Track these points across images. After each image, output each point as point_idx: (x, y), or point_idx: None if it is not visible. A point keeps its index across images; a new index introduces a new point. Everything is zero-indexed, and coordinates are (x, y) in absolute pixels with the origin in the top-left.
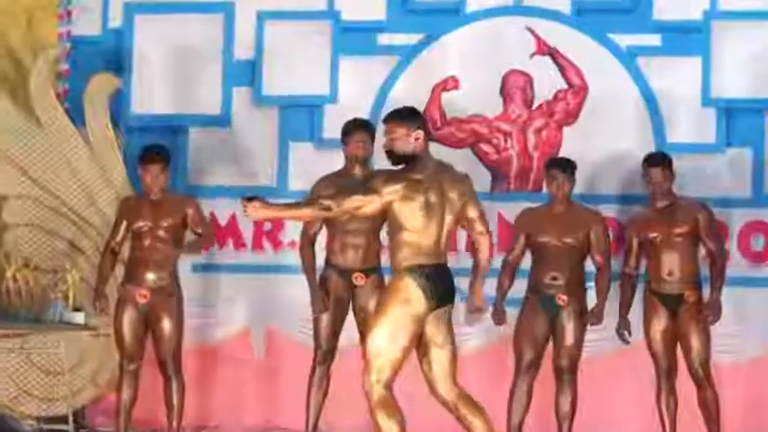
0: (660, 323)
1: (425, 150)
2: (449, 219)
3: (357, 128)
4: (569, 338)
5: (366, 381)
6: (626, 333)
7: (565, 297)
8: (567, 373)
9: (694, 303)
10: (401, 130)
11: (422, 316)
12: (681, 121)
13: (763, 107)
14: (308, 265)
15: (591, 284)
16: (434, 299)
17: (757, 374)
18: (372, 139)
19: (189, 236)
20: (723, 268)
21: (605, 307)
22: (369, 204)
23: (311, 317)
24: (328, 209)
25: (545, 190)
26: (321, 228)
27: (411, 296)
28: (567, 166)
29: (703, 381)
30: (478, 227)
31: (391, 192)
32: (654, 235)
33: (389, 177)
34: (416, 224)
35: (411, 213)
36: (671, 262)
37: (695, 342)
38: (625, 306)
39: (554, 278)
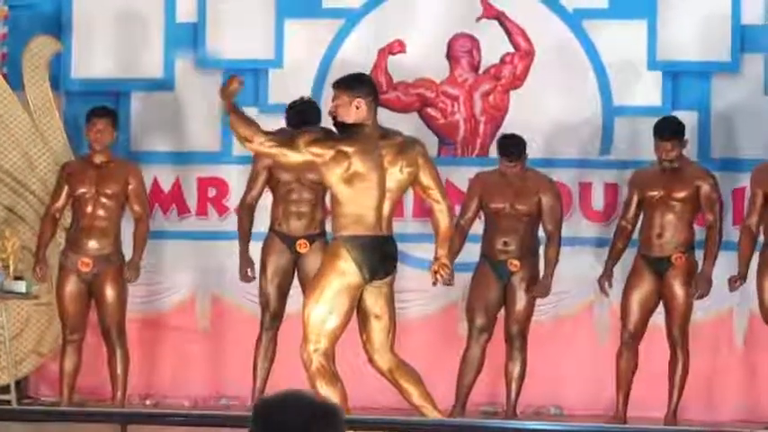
0: (641, 290)
1: (370, 119)
2: (391, 188)
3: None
4: (520, 305)
5: (304, 350)
6: (606, 285)
7: (516, 263)
8: (517, 339)
9: (681, 267)
10: (344, 98)
11: (357, 286)
12: (627, 84)
13: (709, 70)
14: (242, 233)
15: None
16: (368, 271)
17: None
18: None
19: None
20: (718, 242)
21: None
22: (286, 157)
23: (257, 284)
24: (251, 140)
25: (492, 154)
26: (261, 194)
27: (345, 267)
28: (521, 151)
29: (678, 346)
30: (434, 194)
31: (315, 154)
32: (653, 193)
33: (318, 140)
34: (344, 193)
35: (336, 183)
36: (663, 224)
37: (678, 306)
38: (612, 258)
39: (506, 243)
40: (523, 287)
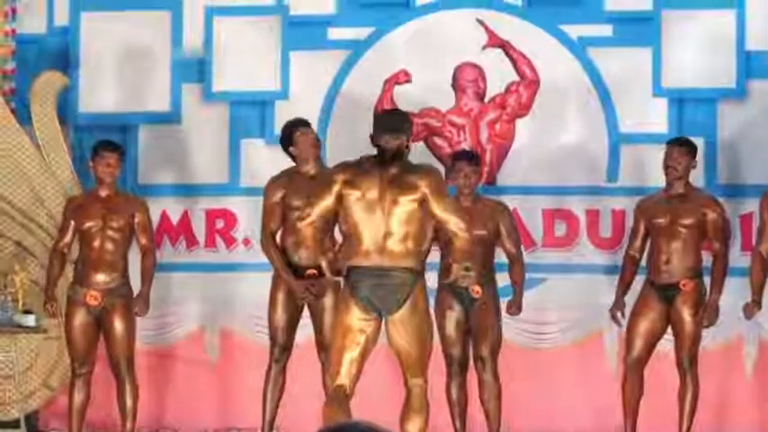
0: (648, 316)
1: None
2: (397, 219)
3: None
4: (489, 328)
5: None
6: (619, 314)
7: (478, 288)
8: (489, 363)
9: (689, 293)
10: None
11: (357, 316)
12: (633, 112)
13: (714, 96)
14: (277, 260)
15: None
16: (361, 300)
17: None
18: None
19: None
20: (724, 270)
21: (523, 297)
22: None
23: (266, 315)
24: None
25: (453, 183)
26: (279, 226)
27: (342, 298)
28: (474, 159)
29: (688, 373)
30: (450, 226)
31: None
32: (659, 221)
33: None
34: (348, 224)
35: (345, 209)
36: (670, 251)
37: (687, 332)
38: (622, 287)
39: (467, 269)
40: (489, 311)
